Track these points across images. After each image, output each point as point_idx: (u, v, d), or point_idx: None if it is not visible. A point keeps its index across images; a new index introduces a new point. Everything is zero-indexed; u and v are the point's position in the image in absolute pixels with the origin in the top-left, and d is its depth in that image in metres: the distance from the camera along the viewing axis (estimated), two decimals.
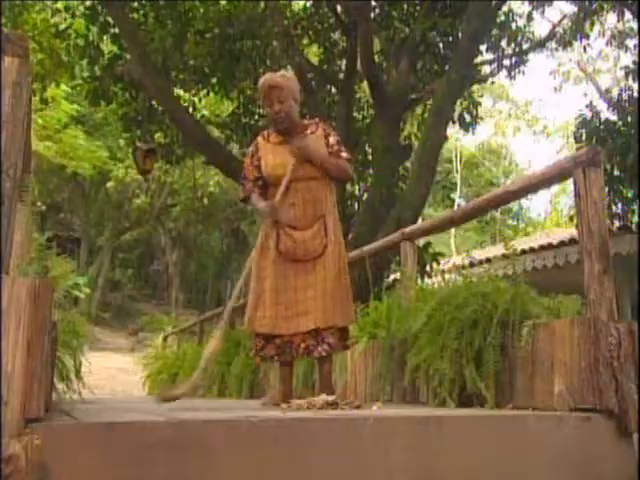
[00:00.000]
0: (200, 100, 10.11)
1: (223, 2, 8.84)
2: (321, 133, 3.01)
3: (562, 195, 25.97)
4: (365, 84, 8.66)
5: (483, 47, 8.90)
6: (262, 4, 8.56)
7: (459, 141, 26.76)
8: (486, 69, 10.32)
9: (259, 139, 3.07)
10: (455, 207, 19.06)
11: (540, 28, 11.14)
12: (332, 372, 3.07)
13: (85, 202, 21.80)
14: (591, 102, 7.93)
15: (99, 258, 22.04)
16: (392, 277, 7.51)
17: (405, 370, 2.95)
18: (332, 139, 3.02)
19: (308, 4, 9.72)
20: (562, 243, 7.31)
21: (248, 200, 3.06)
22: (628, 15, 9.60)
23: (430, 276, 6.37)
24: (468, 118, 9.35)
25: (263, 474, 1.56)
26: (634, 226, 7.14)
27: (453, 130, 14.87)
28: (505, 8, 8.88)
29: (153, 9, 8.79)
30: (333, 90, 9.21)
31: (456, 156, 27.45)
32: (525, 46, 9.62)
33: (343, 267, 2.95)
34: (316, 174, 2.91)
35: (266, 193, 2.99)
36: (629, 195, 7.37)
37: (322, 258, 2.88)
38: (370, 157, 9.02)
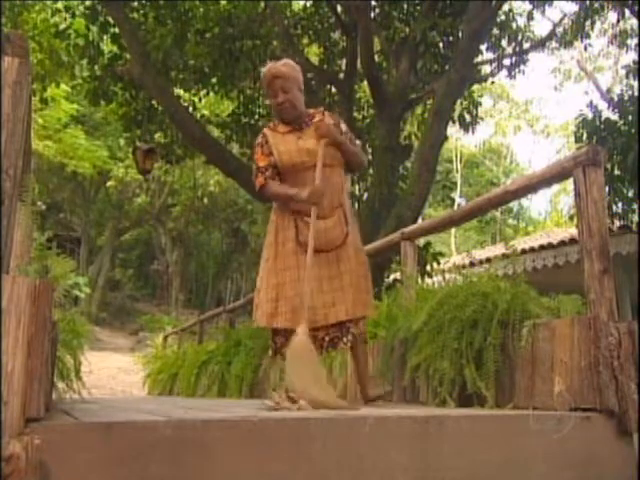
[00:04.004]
0: (200, 100, 10.11)
1: (223, 2, 8.85)
2: (329, 121, 2.90)
3: (562, 194, 26.00)
4: (365, 84, 8.67)
5: (483, 47, 8.92)
6: (262, 4, 8.56)
7: (459, 141, 26.77)
8: (486, 69, 10.34)
9: (266, 130, 2.94)
10: (455, 207, 19.06)
11: (540, 27, 11.18)
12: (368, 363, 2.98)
13: (85, 202, 21.81)
14: (591, 101, 7.92)
15: (99, 258, 22.04)
16: (392, 277, 7.52)
17: (405, 370, 2.95)
18: (343, 127, 2.94)
19: (308, 4, 9.73)
20: (562, 243, 7.32)
21: (265, 191, 2.86)
22: (628, 14, 9.60)
23: (430, 276, 6.38)
24: (468, 118, 9.36)
25: (263, 474, 1.56)
26: (634, 226, 7.14)
27: (453, 130, 14.88)
28: (505, 7, 8.89)
29: (153, 9, 8.80)
30: (333, 90, 9.21)
31: (456, 156, 27.47)
32: (525, 45, 9.63)
33: (364, 258, 2.92)
34: (331, 162, 2.82)
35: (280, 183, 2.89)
36: (629, 195, 7.35)
37: (344, 248, 2.81)
38: (370, 157, 9.03)
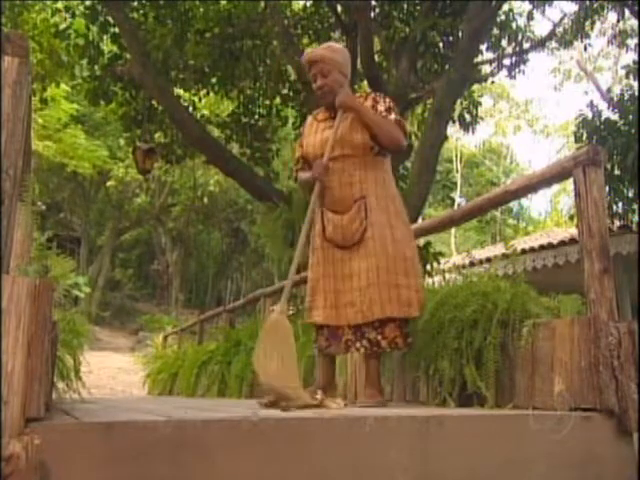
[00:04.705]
0: (200, 100, 10.11)
1: (223, 2, 8.85)
2: (370, 103, 2.76)
3: (562, 194, 26.01)
4: (365, 84, 8.66)
5: (483, 47, 8.91)
6: (262, 4, 8.56)
7: (459, 140, 26.78)
8: (486, 69, 10.34)
9: (309, 119, 2.94)
10: (455, 206, 19.06)
11: (540, 27, 11.20)
12: (379, 372, 2.75)
13: (85, 202, 21.81)
14: (592, 101, 7.93)
15: (99, 258, 22.04)
16: None
17: (405, 370, 2.95)
18: (381, 106, 2.75)
19: (308, 4, 9.72)
20: (562, 243, 7.32)
21: (298, 182, 2.95)
22: (628, 14, 9.60)
23: (430, 276, 6.37)
24: (468, 118, 9.35)
25: (263, 474, 1.56)
26: (634, 226, 7.14)
27: (453, 130, 14.88)
28: (505, 7, 8.89)
29: (153, 9, 8.79)
30: None
31: (456, 155, 27.47)
32: (525, 45, 9.63)
33: (394, 252, 2.63)
34: (352, 152, 2.68)
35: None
36: (629, 195, 7.36)
37: (363, 244, 2.64)
38: None
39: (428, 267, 6.65)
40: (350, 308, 2.66)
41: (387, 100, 2.81)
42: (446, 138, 8.00)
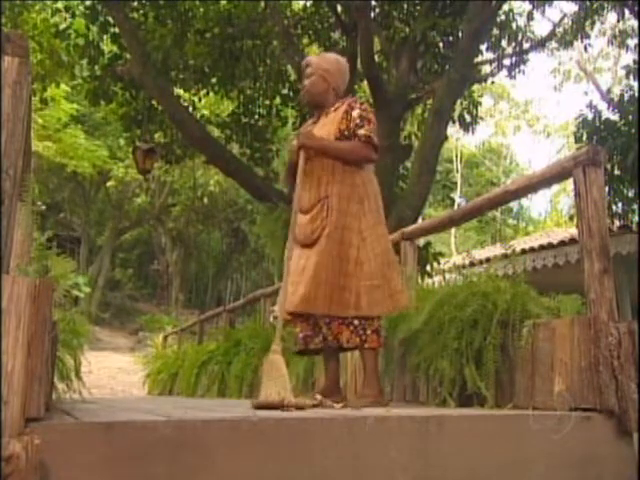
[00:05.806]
0: (200, 100, 10.11)
1: (223, 2, 8.85)
2: (344, 108, 2.76)
3: (562, 194, 26.00)
4: (365, 84, 8.65)
5: (483, 47, 8.91)
6: (262, 4, 8.56)
7: (459, 141, 26.76)
8: (486, 69, 10.34)
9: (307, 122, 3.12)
10: (455, 207, 19.06)
11: (540, 27, 11.19)
12: (378, 372, 2.76)
13: (85, 202, 21.80)
14: (591, 102, 7.93)
15: (99, 258, 22.02)
16: None
17: (405, 370, 2.95)
18: (355, 113, 2.73)
19: (308, 4, 9.72)
20: (562, 243, 7.31)
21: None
22: (628, 14, 9.60)
23: (430, 276, 6.38)
24: (468, 118, 9.35)
25: (263, 474, 1.56)
26: (634, 226, 7.14)
27: (453, 130, 14.87)
28: (505, 7, 8.88)
29: (153, 9, 8.79)
30: None
31: (456, 156, 27.44)
32: (525, 45, 9.63)
33: (341, 254, 2.63)
34: (315, 153, 2.74)
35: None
36: (629, 195, 7.36)
37: (319, 242, 2.66)
38: None
39: (428, 267, 6.66)
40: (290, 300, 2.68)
41: (363, 107, 2.80)
42: (446, 138, 8.01)
